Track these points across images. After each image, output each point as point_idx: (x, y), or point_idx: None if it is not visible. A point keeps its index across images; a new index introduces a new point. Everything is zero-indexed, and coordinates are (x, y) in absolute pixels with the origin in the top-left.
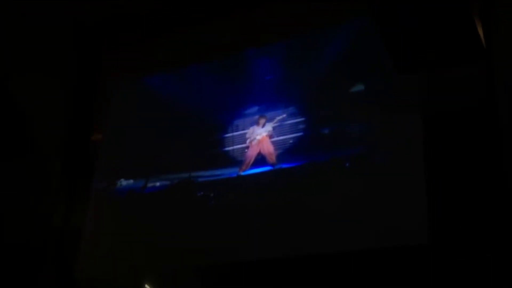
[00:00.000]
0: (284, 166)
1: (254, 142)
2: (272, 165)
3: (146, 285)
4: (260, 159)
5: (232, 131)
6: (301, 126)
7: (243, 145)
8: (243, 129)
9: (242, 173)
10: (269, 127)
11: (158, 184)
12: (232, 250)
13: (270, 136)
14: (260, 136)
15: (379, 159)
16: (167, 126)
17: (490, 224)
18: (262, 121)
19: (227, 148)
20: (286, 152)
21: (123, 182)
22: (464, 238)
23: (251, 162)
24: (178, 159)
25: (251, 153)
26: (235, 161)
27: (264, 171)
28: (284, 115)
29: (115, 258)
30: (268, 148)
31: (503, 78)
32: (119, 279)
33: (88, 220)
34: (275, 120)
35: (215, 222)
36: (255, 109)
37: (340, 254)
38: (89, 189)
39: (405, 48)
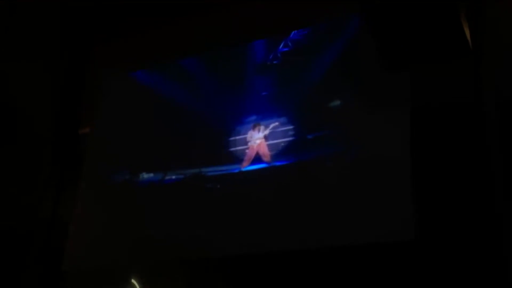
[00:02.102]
0: (277, 164)
1: (254, 145)
2: (267, 163)
3: (133, 280)
4: (258, 158)
5: (235, 135)
6: (291, 133)
7: (244, 147)
8: (244, 134)
9: (243, 169)
10: (265, 132)
11: (174, 177)
12: (229, 242)
13: (266, 140)
14: (259, 141)
15: (365, 155)
16: (172, 126)
17: (477, 220)
18: (258, 127)
19: (231, 149)
20: (279, 153)
21: (145, 175)
22: (450, 234)
23: (251, 160)
24: (189, 157)
25: (251, 153)
26: (237, 159)
27: (261, 167)
28: (277, 123)
29: (108, 250)
30: (264, 150)
31: (490, 75)
32: (115, 272)
33: (78, 211)
34: (270, 127)
35: (220, 211)
36: (253, 118)
37: (326, 249)
38: (78, 180)
39: (393, 46)
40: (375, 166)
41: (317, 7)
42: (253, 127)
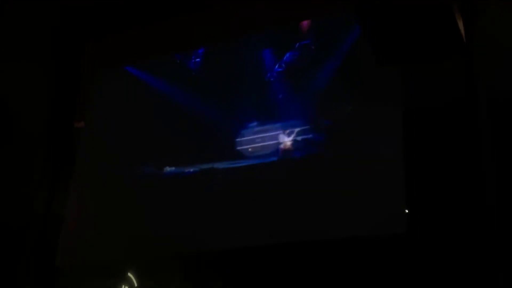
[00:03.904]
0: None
1: (284, 146)
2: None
3: (129, 274)
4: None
5: (240, 137)
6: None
7: (248, 146)
8: (248, 137)
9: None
10: (292, 136)
11: (170, 173)
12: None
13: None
14: (289, 142)
15: (359, 151)
16: (167, 123)
17: (467, 215)
18: (287, 131)
19: (238, 148)
20: None
21: (140, 171)
22: (441, 228)
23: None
24: (186, 154)
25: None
26: (245, 157)
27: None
28: (300, 128)
29: (103, 245)
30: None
31: (483, 74)
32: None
33: (72, 206)
34: (295, 132)
35: (213, 207)
36: (254, 123)
37: (320, 242)
38: (72, 176)
39: (388, 46)
40: (369, 162)
41: (316, 7)
42: (285, 130)
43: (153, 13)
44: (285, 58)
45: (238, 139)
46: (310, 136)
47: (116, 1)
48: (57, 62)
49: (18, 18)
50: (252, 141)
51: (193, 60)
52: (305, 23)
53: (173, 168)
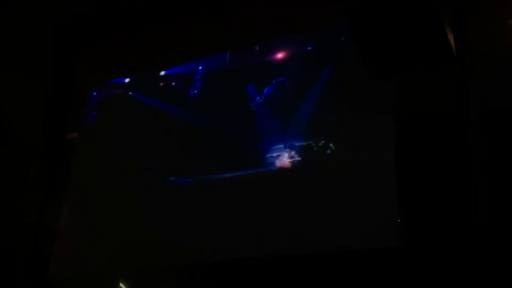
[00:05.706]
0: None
1: (282, 163)
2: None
3: (121, 285)
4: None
5: (233, 151)
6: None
7: (241, 159)
8: (241, 152)
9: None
10: (295, 157)
11: (165, 183)
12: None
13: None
14: (287, 161)
15: (352, 163)
16: (160, 133)
17: (462, 225)
18: (291, 153)
19: (230, 160)
20: None
21: (162, 180)
22: (435, 240)
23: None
24: (193, 164)
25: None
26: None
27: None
28: (299, 158)
29: (96, 257)
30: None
31: (474, 83)
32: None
33: (65, 217)
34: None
35: (206, 217)
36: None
37: (313, 255)
38: (65, 187)
39: (379, 55)
40: (362, 173)
41: (317, 10)
42: (290, 152)
43: (151, 23)
44: (264, 91)
45: (230, 153)
46: (299, 153)
47: (114, 12)
48: (52, 73)
49: (13, 25)
50: (246, 156)
51: (191, 91)
52: (282, 61)
53: (167, 179)
